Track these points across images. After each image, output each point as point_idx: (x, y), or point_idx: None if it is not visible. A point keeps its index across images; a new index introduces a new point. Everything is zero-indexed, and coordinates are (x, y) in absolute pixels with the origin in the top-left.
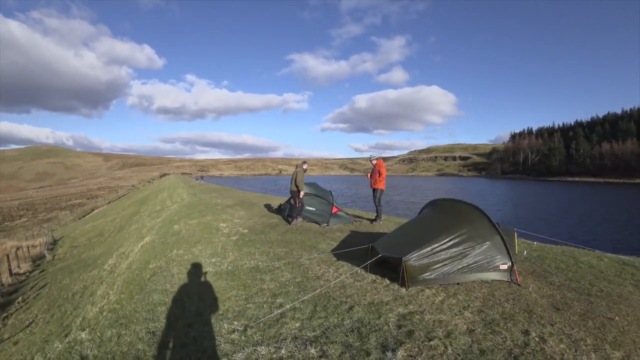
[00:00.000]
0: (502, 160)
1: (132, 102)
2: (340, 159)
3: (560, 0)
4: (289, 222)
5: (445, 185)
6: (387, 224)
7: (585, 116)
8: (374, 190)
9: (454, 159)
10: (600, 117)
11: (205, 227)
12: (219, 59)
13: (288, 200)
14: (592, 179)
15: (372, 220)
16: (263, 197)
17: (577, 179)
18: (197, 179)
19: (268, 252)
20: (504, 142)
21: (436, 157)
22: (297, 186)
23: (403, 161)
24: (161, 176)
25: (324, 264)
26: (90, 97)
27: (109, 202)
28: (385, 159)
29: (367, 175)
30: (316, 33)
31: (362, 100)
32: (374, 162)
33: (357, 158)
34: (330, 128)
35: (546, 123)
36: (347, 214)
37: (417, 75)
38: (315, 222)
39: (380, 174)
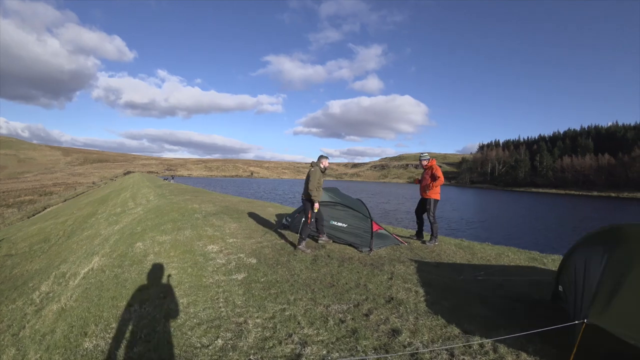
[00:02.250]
0: (471, 170)
1: (98, 95)
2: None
3: (531, 21)
4: (295, 246)
5: (409, 192)
6: (447, 247)
7: (548, 131)
8: (425, 200)
9: None
10: (561, 132)
11: (186, 252)
12: (193, 56)
13: (300, 212)
14: (554, 191)
15: (424, 241)
16: (250, 203)
17: (540, 190)
18: (166, 179)
19: (319, 315)
20: (471, 153)
21: (407, 164)
22: (308, 193)
23: (375, 168)
24: (125, 174)
25: None
26: (52, 87)
27: (65, 200)
28: (356, 165)
29: (414, 180)
30: (294, 36)
31: (336, 106)
32: (425, 162)
33: (329, 163)
34: (303, 132)
35: (512, 136)
36: (388, 232)
37: (392, 85)
38: (350, 245)
39: (435, 179)
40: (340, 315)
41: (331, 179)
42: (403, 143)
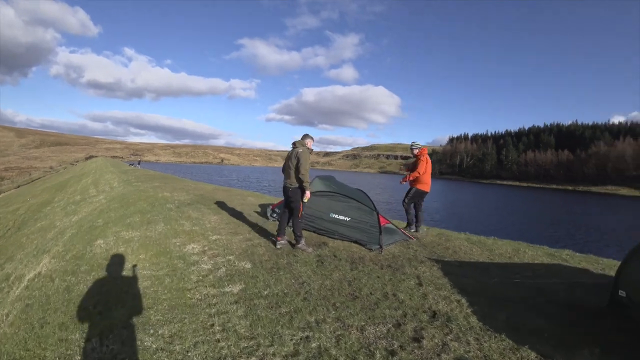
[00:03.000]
0: (441, 162)
1: (57, 72)
2: (285, 151)
3: (503, 21)
4: (293, 245)
5: (389, 182)
6: (459, 242)
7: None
8: (410, 188)
9: (396, 157)
10: (526, 128)
11: (160, 253)
12: (163, 34)
13: (285, 204)
14: (517, 183)
15: (415, 231)
16: (227, 192)
17: (505, 182)
18: (131, 164)
19: (358, 344)
20: (441, 145)
21: (379, 155)
22: (299, 179)
23: (347, 157)
24: (87, 158)
25: None
26: (4, 61)
27: (18, 187)
28: (329, 153)
29: (404, 169)
30: (271, 20)
31: (310, 94)
32: (416, 151)
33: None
34: (276, 119)
35: (481, 130)
36: (396, 226)
37: (367, 75)
38: (355, 242)
39: (413, 169)
40: (384, 343)
41: None
42: (375, 133)
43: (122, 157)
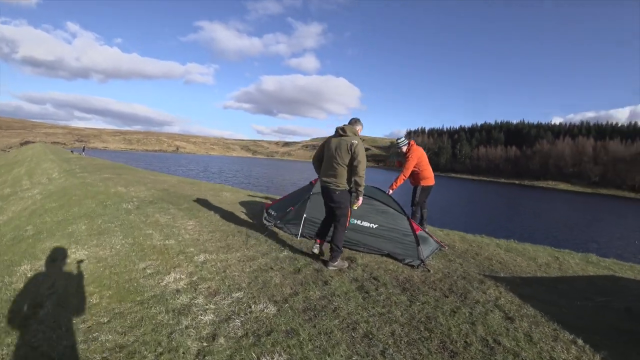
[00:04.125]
0: (399, 154)
1: None
2: (243, 140)
3: (465, 21)
4: (327, 263)
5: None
6: (493, 249)
7: (467, 123)
8: (414, 188)
9: None
10: (479, 125)
11: (126, 293)
12: (113, 10)
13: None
14: (469, 177)
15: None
16: (194, 185)
17: (458, 175)
18: (76, 152)
19: None
20: (397, 137)
21: None
22: (355, 182)
23: (306, 147)
24: (22, 144)
25: None
26: None
27: None
28: (288, 143)
29: (396, 163)
30: (231, 2)
31: (270, 82)
32: (405, 148)
33: (259, 140)
34: (234, 107)
35: (437, 125)
36: (427, 232)
37: (328, 65)
38: (388, 256)
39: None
40: None
41: (262, 157)
42: (334, 124)
43: (64, 144)
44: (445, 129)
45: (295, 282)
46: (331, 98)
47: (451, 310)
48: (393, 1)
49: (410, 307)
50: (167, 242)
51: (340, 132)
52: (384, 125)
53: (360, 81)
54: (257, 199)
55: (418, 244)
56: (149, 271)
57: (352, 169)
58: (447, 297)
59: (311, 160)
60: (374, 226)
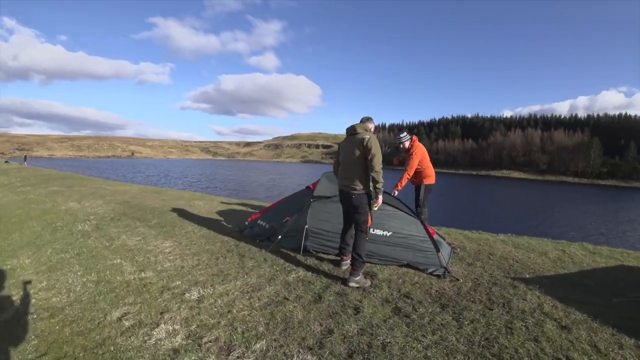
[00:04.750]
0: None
1: None
2: (202, 141)
3: (425, 18)
4: (346, 281)
5: (312, 171)
6: (501, 246)
7: (426, 117)
8: (416, 187)
9: (317, 146)
10: (437, 119)
11: (106, 359)
12: (56, 5)
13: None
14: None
15: None
16: (160, 195)
17: None
18: (14, 162)
19: None
20: None
21: (300, 144)
22: (373, 179)
23: (268, 147)
24: None
25: None
26: None
27: None
28: (249, 144)
29: (394, 161)
30: None
31: (229, 81)
32: (408, 144)
33: (219, 141)
34: (192, 107)
35: (397, 120)
36: (440, 235)
37: (289, 63)
38: (408, 266)
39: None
40: None
41: (223, 158)
42: (295, 123)
43: (2, 153)
44: (405, 124)
45: (322, 315)
46: (292, 96)
47: (505, 326)
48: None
49: (460, 328)
50: (143, 274)
51: (351, 132)
52: (345, 122)
53: (321, 79)
54: (235, 207)
55: (438, 250)
56: (127, 323)
57: (368, 165)
58: (491, 309)
59: (269, 159)
60: (388, 234)
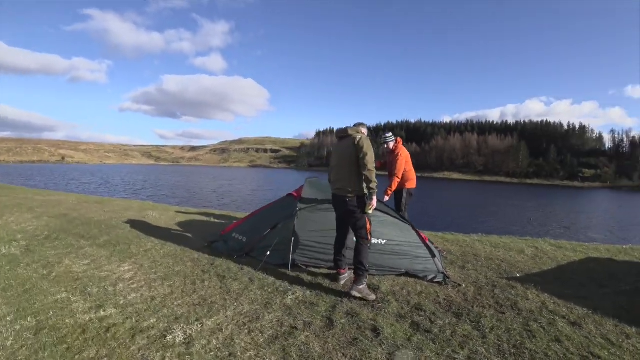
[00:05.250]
0: (309, 155)
1: None
2: (144, 145)
3: (373, 25)
4: (349, 293)
5: (262, 176)
6: (480, 246)
7: (372, 122)
8: (398, 192)
9: (265, 151)
10: (382, 124)
11: None
12: None
13: (338, 224)
14: (378, 173)
15: None
16: (103, 205)
17: None
18: None
19: None
20: (308, 138)
21: (248, 148)
22: (366, 179)
23: (215, 151)
24: None
25: None
26: None
27: None
28: (195, 148)
29: (376, 163)
30: None
31: (172, 82)
32: (392, 144)
33: (162, 146)
34: (132, 109)
35: (343, 124)
36: (430, 240)
37: (236, 66)
38: (406, 275)
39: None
40: None
41: (166, 163)
42: (242, 127)
43: None
44: None
45: (341, 343)
46: (239, 100)
47: (524, 330)
48: (301, 2)
49: (485, 338)
50: (102, 312)
51: (342, 134)
52: (293, 126)
53: (269, 82)
54: (196, 217)
55: (434, 256)
56: None
57: (361, 166)
58: (503, 313)
59: (216, 164)
60: (383, 242)
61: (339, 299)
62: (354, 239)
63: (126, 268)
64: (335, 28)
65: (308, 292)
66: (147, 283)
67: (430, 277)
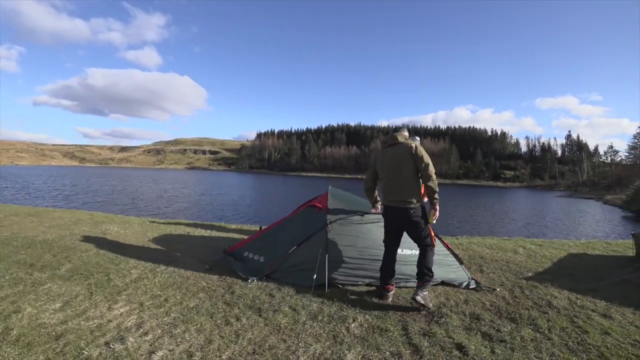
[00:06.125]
0: (250, 156)
1: None
2: (65, 145)
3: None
4: (416, 298)
5: (202, 178)
6: (481, 249)
7: (313, 125)
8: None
9: (204, 152)
10: (323, 127)
11: None
12: None
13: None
14: (319, 174)
15: None
16: (39, 217)
17: (309, 174)
18: None
19: None
20: (248, 140)
21: (185, 149)
22: (429, 188)
23: (149, 152)
24: None
25: None
26: None
27: None
28: (125, 148)
29: None
30: None
31: (99, 76)
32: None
33: (87, 145)
34: (49, 103)
35: (286, 127)
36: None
37: (171, 62)
38: (442, 284)
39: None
40: None
41: (93, 165)
42: (178, 127)
43: None
44: (293, 131)
45: None
46: (174, 98)
47: (574, 326)
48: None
49: (551, 339)
50: None
51: (390, 142)
52: (233, 127)
53: (207, 81)
54: (168, 230)
55: (461, 262)
56: None
57: (420, 176)
58: (547, 313)
59: (150, 166)
60: (416, 252)
61: (402, 318)
62: (401, 251)
63: (122, 311)
64: (278, 27)
65: (368, 316)
66: (164, 331)
67: (465, 284)
